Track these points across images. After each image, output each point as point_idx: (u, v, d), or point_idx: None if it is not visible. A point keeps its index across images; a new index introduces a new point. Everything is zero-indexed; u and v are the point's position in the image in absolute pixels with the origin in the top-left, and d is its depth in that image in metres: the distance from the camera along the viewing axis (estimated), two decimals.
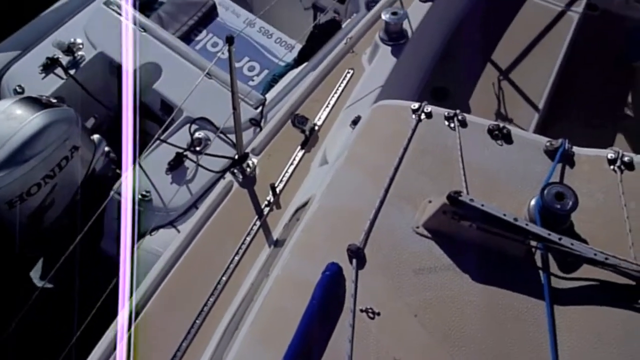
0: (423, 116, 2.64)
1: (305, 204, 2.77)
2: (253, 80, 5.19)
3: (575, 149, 2.54)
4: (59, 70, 4.65)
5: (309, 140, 3.47)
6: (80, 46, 4.81)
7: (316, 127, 3.53)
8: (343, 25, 5.28)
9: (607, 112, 4.78)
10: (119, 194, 3.97)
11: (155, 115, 4.81)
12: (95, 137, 4.30)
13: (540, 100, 4.04)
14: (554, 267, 2.19)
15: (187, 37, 5.44)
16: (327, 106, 3.64)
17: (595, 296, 2.13)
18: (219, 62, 2.76)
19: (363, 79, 3.58)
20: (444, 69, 4.28)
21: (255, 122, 4.35)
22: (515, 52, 4.32)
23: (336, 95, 3.68)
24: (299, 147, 3.46)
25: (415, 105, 2.67)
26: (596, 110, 4.77)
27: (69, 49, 4.73)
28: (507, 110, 3.95)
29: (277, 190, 3.24)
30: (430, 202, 2.34)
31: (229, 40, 2.64)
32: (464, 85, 4.15)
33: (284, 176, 3.32)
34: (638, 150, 4.39)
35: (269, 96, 4.69)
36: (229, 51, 2.71)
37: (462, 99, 4.06)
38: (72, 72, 4.67)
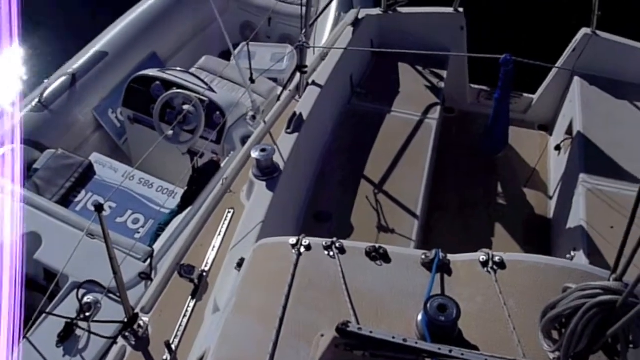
0: (303, 249, 2.68)
1: (202, 359, 2.68)
2: (139, 233, 5.12)
3: (450, 256, 2.64)
4: None
5: (199, 289, 3.40)
6: None
7: (204, 274, 3.46)
8: (222, 165, 5.40)
9: (479, 207, 5.03)
10: None
11: (41, 286, 4.61)
12: None
13: (417, 207, 4.17)
14: None
15: (66, 200, 5.37)
16: (212, 249, 3.61)
17: None
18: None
19: (243, 217, 3.59)
20: (322, 192, 4.39)
21: (146, 276, 4.26)
22: (386, 165, 4.48)
23: (220, 237, 3.66)
24: (190, 298, 3.36)
25: (293, 240, 2.71)
26: (470, 207, 5.02)
27: None
28: (387, 222, 4.06)
29: (173, 347, 3.12)
30: (322, 335, 2.33)
31: (98, 209, 2.61)
32: (343, 205, 4.25)
33: (178, 331, 3.20)
34: (518, 238, 4.69)
35: (157, 246, 4.64)
36: (100, 218, 2.67)
37: (344, 219, 4.15)
38: None
